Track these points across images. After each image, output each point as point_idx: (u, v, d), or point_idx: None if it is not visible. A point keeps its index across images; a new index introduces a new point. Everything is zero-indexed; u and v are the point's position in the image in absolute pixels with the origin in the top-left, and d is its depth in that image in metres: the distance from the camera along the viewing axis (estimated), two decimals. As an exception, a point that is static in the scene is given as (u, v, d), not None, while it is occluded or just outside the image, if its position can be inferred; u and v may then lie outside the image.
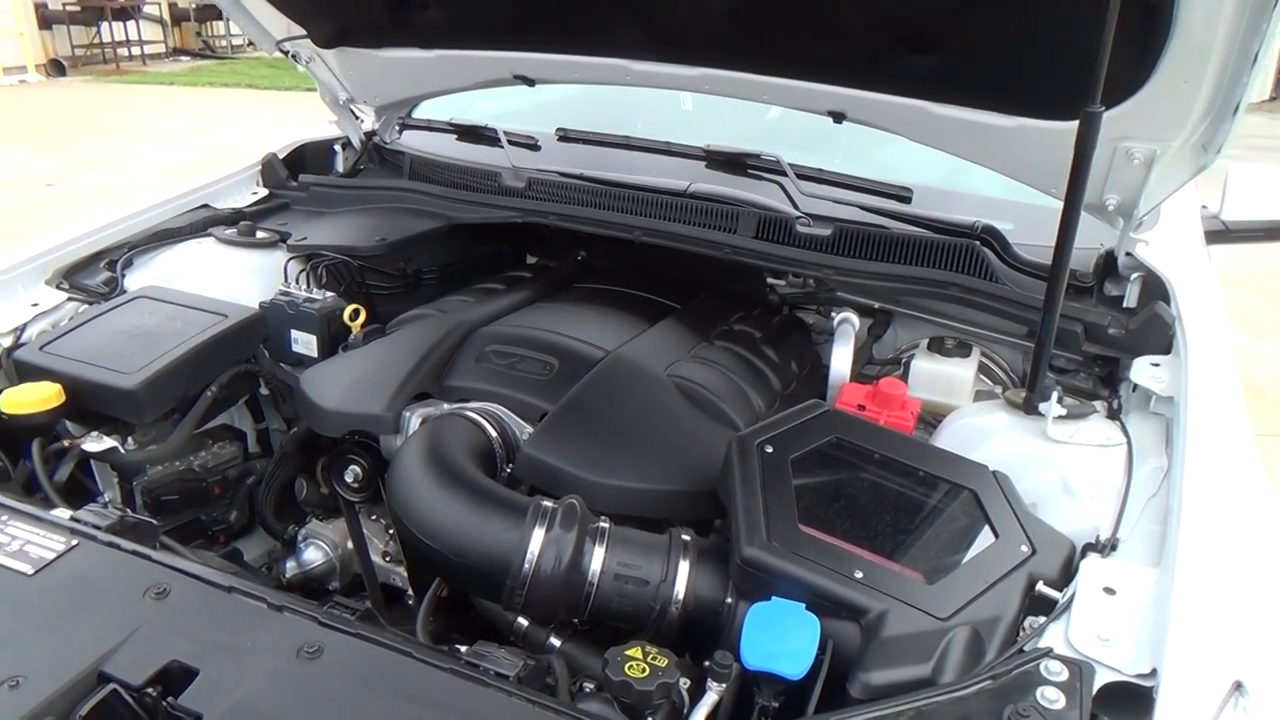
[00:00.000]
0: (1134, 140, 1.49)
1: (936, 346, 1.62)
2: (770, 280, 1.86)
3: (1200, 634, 0.94)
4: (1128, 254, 1.64)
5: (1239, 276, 5.51)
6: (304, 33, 1.97)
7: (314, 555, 1.51)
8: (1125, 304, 1.63)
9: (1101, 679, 0.94)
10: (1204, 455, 1.20)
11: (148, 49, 16.50)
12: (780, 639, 1.00)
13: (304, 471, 1.60)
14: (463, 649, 1.01)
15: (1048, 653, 0.96)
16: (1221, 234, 2.04)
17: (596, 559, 1.12)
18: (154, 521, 1.21)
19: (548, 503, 1.16)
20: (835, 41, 1.59)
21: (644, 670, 0.96)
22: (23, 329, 1.58)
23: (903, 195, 1.85)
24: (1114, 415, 1.42)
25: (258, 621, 1.01)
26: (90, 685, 0.92)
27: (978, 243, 1.72)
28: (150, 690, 0.92)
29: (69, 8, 15.48)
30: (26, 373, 1.46)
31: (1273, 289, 5.43)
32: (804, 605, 1.05)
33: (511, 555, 1.11)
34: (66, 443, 1.41)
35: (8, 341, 1.55)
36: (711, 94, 1.79)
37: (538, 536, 1.12)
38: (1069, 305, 1.62)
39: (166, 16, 16.90)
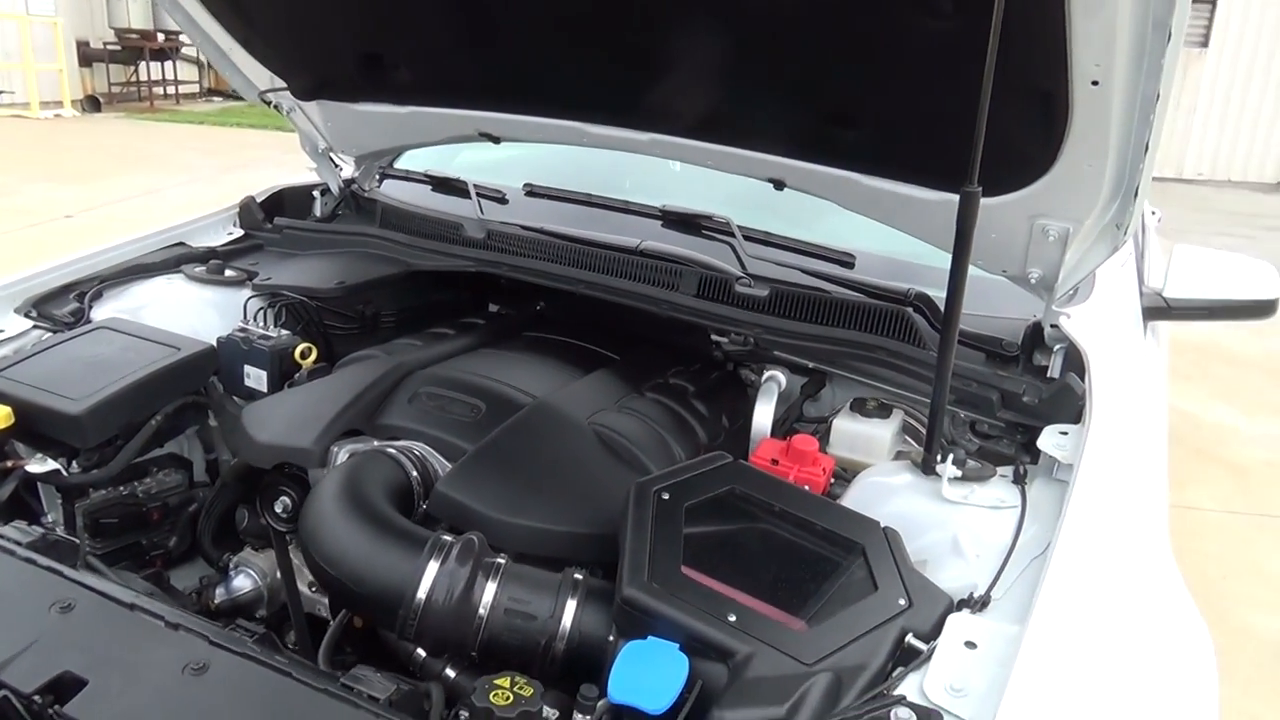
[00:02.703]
0: (1049, 218, 1.56)
1: (858, 407, 1.67)
2: (715, 338, 1.93)
3: (1036, 687, 0.98)
4: (1053, 325, 1.70)
5: (1243, 355, 5.55)
6: (285, 85, 2.07)
7: (243, 583, 1.57)
8: (1049, 374, 1.68)
9: (947, 728, 0.98)
10: (1084, 521, 1.24)
11: (182, 89, 16.98)
12: (646, 675, 1.05)
13: (245, 502, 1.66)
14: (341, 674, 1.05)
15: (900, 700, 1.00)
16: (1163, 310, 2.09)
17: (488, 593, 1.17)
18: (75, 541, 1.28)
19: (447, 537, 1.21)
20: (771, 114, 1.68)
21: (508, 699, 1.01)
22: (-14, 353, 1.67)
23: (845, 260, 1.93)
24: (1019, 480, 1.46)
25: (153, 638, 1.06)
26: (-17, 691, 0.98)
27: (910, 309, 1.78)
28: (38, 698, 0.97)
29: (110, 47, 15.98)
30: (-16, 395, 1.53)
31: (1274, 369, 5.45)
32: (678, 645, 1.09)
33: (405, 586, 1.16)
34: (10, 463, 1.48)
35: (-32, 364, 1.63)
36: (662, 157, 1.88)
37: (432, 569, 1.17)
38: (991, 373, 1.68)
39: (202, 58, 17.43)
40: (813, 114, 1.61)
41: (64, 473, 1.50)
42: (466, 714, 1.07)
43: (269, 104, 2.14)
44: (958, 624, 1.11)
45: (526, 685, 1.03)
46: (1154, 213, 4.16)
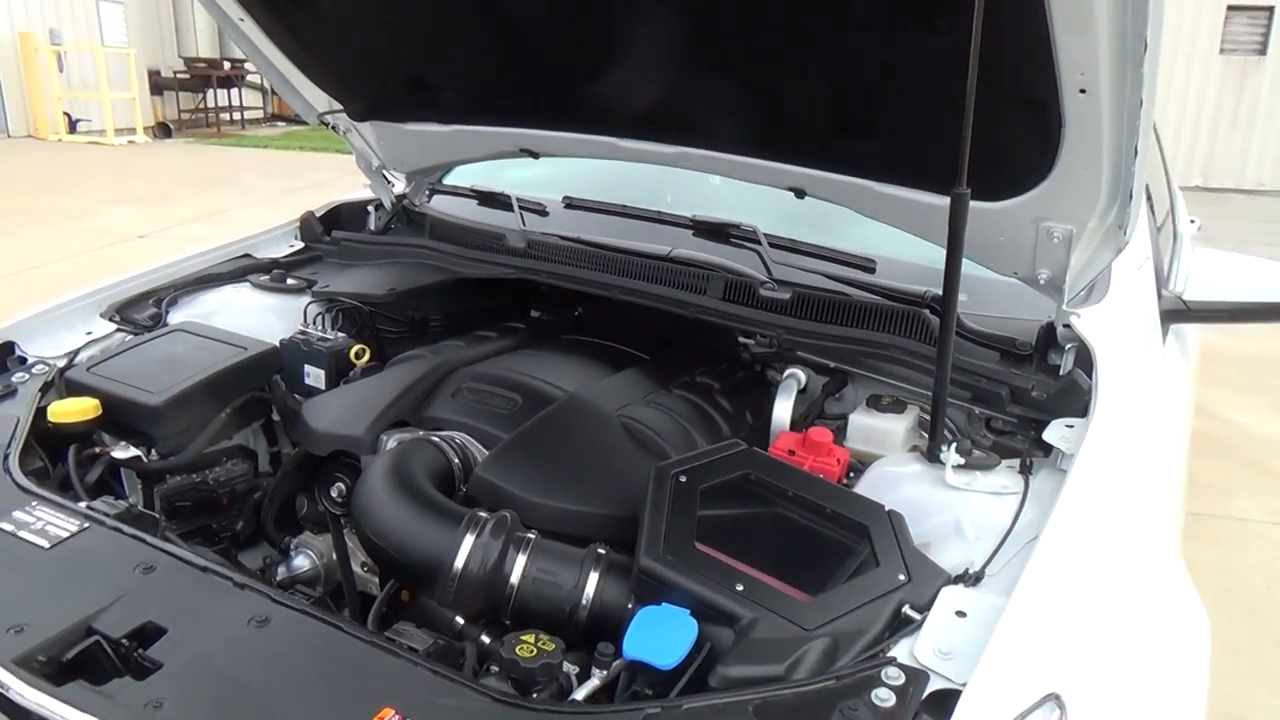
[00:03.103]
0: (1052, 220, 1.63)
1: (873, 403, 1.76)
2: (742, 340, 2.03)
3: (1015, 649, 1.07)
4: (1065, 326, 1.77)
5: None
6: (341, 107, 2.24)
7: (302, 562, 1.70)
8: (1061, 372, 1.75)
9: (933, 686, 1.07)
10: (1077, 503, 1.32)
11: (247, 114, 17.60)
12: (658, 635, 1.16)
13: (304, 490, 1.80)
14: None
15: (891, 661, 1.09)
16: (1183, 313, 2.15)
17: (519, 564, 1.29)
18: (155, 515, 1.43)
19: (483, 514, 1.34)
20: (788, 126, 1.79)
21: (533, 652, 1.13)
22: (76, 353, 1.84)
23: (867, 266, 2.02)
24: (1024, 469, 1.54)
25: (223, 595, 1.20)
26: (79, 636, 1.13)
27: (926, 310, 1.87)
28: (124, 642, 1.11)
29: (179, 75, 16.63)
30: (73, 389, 1.71)
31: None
32: (689, 611, 1.20)
33: (444, 556, 1.29)
34: (98, 449, 1.64)
35: (63, 363, 1.80)
36: (688, 169, 2.00)
37: (468, 541, 1.29)
38: (1004, 371, 1.76)
39: (267, 85, 18.06)
40: (825, 126, 1.71)
41: (144, 459, 1.65)
42: (496, 667, 1.18)
43: (328, 125, 2.30)
44: (950, 595, 1.20)
45: (550, 641, 1.15)
46: (1192, 220, 4.16)
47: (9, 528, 1.30)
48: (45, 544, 1.27)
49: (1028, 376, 1.70)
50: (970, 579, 1.25)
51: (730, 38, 1.60)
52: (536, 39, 1.84)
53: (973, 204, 1.70)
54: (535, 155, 2.20)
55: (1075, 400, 1.63)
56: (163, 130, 15.83)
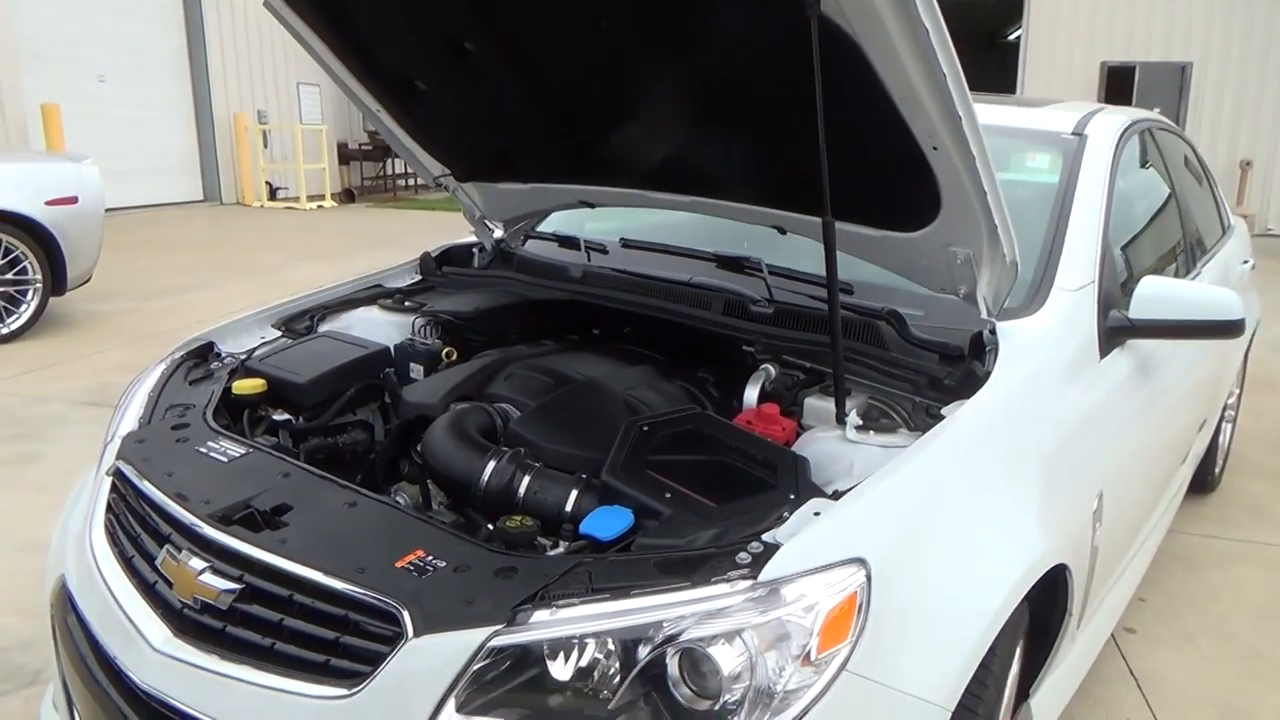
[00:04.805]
0: (955, 245, 2.09)
1: (824, 389, 2.24)
2: (745, 347, 2.55)
3: (832, 527, 1.55)
4: (990, 332, 2.20)
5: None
6: (449, 172, 2.94)
7: (399, 501, 2.34)
8: (986, 370, 2.19)
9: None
10: (921, 449, 1.78)
11: (420, 180, 19.28)
12: (604, 521, 1.70)
13: (403, 454, 2.45)
14: None
15: (757, 538, 1.58)
16: (1127, 329, 2.51)
17: (524, 483, 1.87)
18: (295, 450, 2.10)
19: (504, 450, 1.93)
20: (766, 179, 2.33)
21: (519, 525, 1.70)
22: (253, 351, 2.57)
23: (846, 288, 2.51)
24: (916, 431, 1.98)
25: (329, 490, 1.83)
26: (241, 507, 1.77)
27: (882, 321, 2.34)
28: (268, 512, 1.76)
29: (364, 147, 18.46)
30: (249, 373, 2.42)
31: None
32: (631, 510, 1.74)
33: (474, 475, 1.89)
34: (262, 414, 2.34)
35: (244, 356, 2.54)
36: (700, 214, 2.57)
37: (490, 466, 1.89)
38: (936, 367, 2.20)
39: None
40: (785, 177, 2.24)
41: (293, 422, 2.34)
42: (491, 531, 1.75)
43: (441, 186, 3.01)
44: (814, 503, 1.68)
45: (530, 521, 1.72)
46: (1246, 261, 4.35)
47: (204, 450, 1.99)
48: (224, 460, 1.95)
49: (943, 369, 2.15)
50: (834, 495, 1.73)
51: (717, 121, 2.18)
52: (583, 121, 2.47)
53: (897, 234, 2.20)
54: (591, 205, 2.82)
55: (974, 386, 2.07)
56: (348, 196, 17.68)
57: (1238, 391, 4.81)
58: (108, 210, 7.30)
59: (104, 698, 1.72)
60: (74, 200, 6.82)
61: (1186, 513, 4.24)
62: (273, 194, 16.73)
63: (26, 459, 4.60)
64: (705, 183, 2.45)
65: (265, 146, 16.69)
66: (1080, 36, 15.33)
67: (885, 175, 2.03)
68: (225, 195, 16.43)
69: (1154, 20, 14.95)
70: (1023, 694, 2.24)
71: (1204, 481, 4.40)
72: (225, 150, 16.30)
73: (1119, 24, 15.13)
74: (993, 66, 21.00)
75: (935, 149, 1.83)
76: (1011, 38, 17.84)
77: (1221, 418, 4.37)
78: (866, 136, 1.92)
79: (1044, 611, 2.14)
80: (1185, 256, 3.49)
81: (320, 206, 16.32)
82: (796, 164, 2.14)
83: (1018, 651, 1.97)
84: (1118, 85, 14.95)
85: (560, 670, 1.44)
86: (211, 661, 1.59)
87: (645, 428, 1.92)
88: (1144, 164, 3.44)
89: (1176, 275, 3.33)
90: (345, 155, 18.32)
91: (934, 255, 2.15)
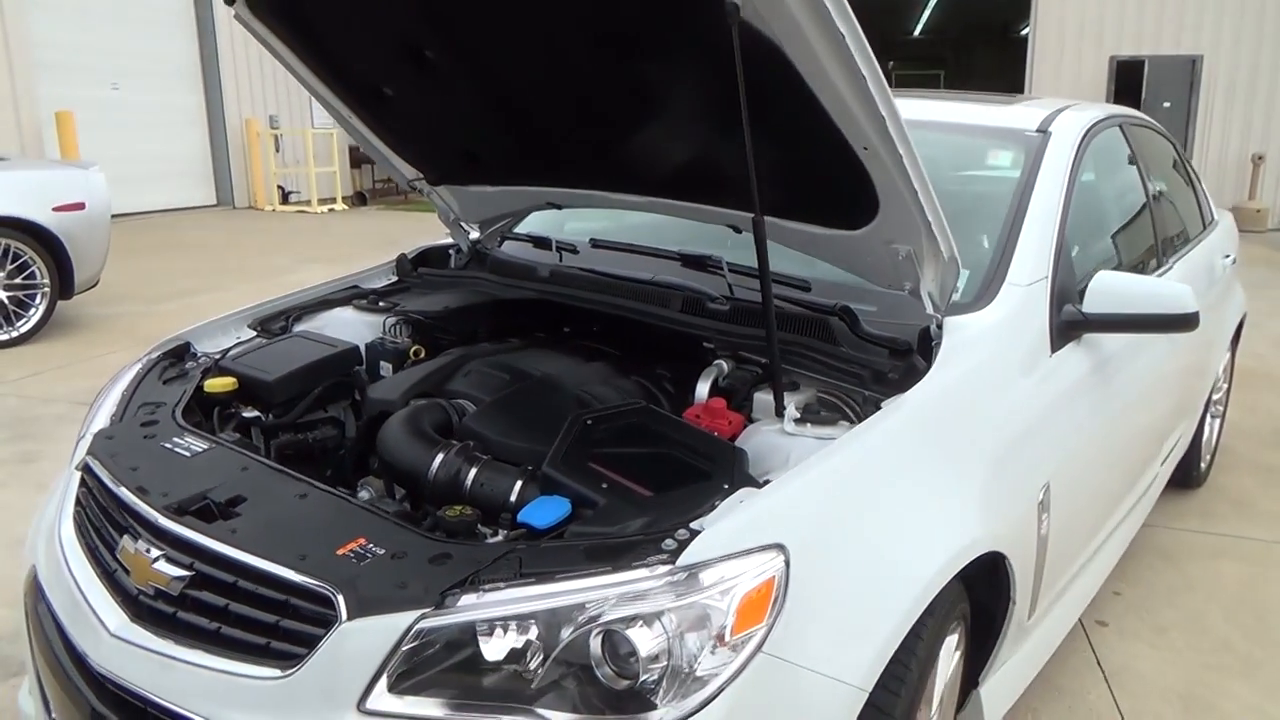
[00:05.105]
0: (896, 242, 2.14)
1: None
2: (705, 344, 2.61)
3: (752, 515, 1.61)
4: (938, 327, 2.25)
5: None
6: (422, 175, 3.01)
7: (365, 495, 2.41)
8: (931, 363, 2.23)
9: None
10: (848, 441, 1.83)
11: (431, 182, 19.38)
12: (541, 510, 1.77)
13: (371, 450, 2.52)
14: None
15: (684, 525, 1.64)
16: (1080, 323, 2.55)
17: (470, 475, 1.94)
18: (256, 445, 2.18)
19: (453, 443, 2.00)
20: (718, 181, 2.38)
21: (458, 514, 1.77)
22: (228, 350, 2.66)
23: (802, 285, 2.56)
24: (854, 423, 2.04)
25: (283, 484, 1.91)
26: (198, 499, 1.85)
27: (834, 317, 2.39)
28: (221, 503, 1.83)
29: (374, 150, 18.51)
30: (223, 371, 2.51)
31: None
32: (569, 500, 1.80)
33: (423, 467, 1.96)
34: (233, 410, 2.42)
35: (218, 356, 2.62)
36: (657, 213, 2.63)
37: (439, 458, 1.96)
38: (883, 361, 2.25)
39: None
40: (731, 177, 2.30)
41: (262, 419, 2.42)
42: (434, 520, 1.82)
43: (415, 189, 3.08)
44: (743, 492, 1.73)
45: (470, 511, 1.79)
46: (1227, 256, 4.37)
47: (169, 445, 2.07)
48: (188, 454, 2.03)
49: (888, 363, 2.20)
50: (763, 484, 1.79)
51: (661, 123, 2.24)
52: (539, 124, 2.53)
53: (841, 232, 2.26)
54: (559, 207, 2.89)
55: (916, 379, 2.12)
56: (359, 199, 17.83)
57: (1225, 386, 4.82)
58: (122, 216, 7.47)
59: (67, 682, 1.81)
60: (81, 206, 6.97)
61: (1169, 507, 4.26)
62: (285, 198, 16.91)
63: (27, 458, 4.72)
64: (658, 183, 2.51)
65: (277, 151, 16.87)
66: (1089, 31, 15.25)
67: (826, 175, 2.09)
68: (238, 199, 16.62)
69: (1164, 14, 14.85)
70: (972, 682, 2.29)
71: (1189, 476, 4.41)
72: (238, 155, 16.51)
73: (1128, 18, 15.05)
74: (1005, 62, 20.94)
75: (866, 149, 1.89)
76: (1023, 33, 17.79)
77: (1207, 412, 4.38)
78: (803, 138, 1.98)
79: (989, 600, 2.18)
80: (1155, 252, 3.51)
81: (332, 210, 16.48)
82: (741, 164, 2.20)
83: (955, 638, 2.02)
84: (1127, 80, 14.85)
85: (491, 651, 1.51)
86: (164, 645, 1.67)
87: (589, 421, 1.99)
88: (1114, 160, 3.47)
89: (1144, 271, 3.35)
90: (356, 158, 18.46)
91: (878, 252, 2.20)
